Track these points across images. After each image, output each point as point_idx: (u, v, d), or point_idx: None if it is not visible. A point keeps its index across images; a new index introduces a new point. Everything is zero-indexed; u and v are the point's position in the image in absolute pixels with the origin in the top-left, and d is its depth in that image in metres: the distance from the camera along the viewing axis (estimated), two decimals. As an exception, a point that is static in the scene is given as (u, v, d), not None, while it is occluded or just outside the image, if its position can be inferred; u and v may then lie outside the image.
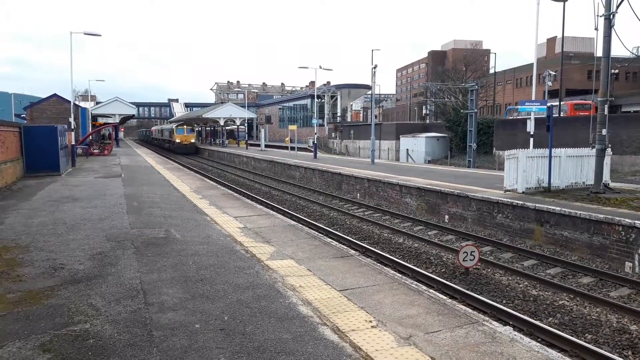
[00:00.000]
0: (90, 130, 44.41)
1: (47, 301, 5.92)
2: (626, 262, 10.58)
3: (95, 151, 37.63)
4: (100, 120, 52.94)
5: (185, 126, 63.16)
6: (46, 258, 7.81)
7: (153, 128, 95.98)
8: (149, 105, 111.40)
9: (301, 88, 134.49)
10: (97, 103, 63.81)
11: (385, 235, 14.32)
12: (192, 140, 61.03)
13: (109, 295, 6.12)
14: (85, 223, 10.61)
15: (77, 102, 46.99)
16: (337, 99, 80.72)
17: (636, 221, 10.44)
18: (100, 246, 8.58)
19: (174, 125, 65.01)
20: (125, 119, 62.25)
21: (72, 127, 33.04)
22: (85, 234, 9.54)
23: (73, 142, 28.30)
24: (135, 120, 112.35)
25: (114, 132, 51.19)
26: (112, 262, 7.61)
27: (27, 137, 20.52)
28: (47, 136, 21.16)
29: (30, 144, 20.56)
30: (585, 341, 7.06)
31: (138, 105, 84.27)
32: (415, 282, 7.22)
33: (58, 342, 4.82)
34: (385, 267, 8.14)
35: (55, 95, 38.70)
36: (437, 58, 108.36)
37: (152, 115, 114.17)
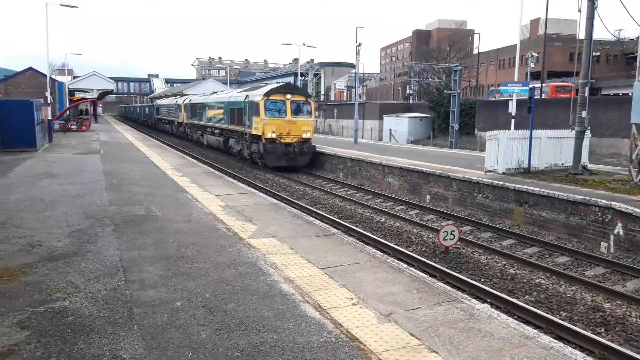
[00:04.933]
0: (67, 105, 43.43)
1: (25, 278, 5.83)
2: (602, 242, 10.84)
3: (73, 127, 36.84)
4: (78, 95, 51.76)
5: (289, 94, 22.25)
6: (23, 235, 7.66)
7: (161, 101, 52.93)
8: (127, 80, 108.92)
9: (284, 65, 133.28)
10: (75, 77, 62.21)
11: (368, 214, 14.40)
12: (307, 135, 22.59)
13: (89, 273, 6.05)
14: (63, 200, 10.42)
15: (53, 77, 45.81)
16: (320, 77, 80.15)
17: (612, 202, 10.67)
18: (79, 223, 8.45)
19: (256, 95, 22.57)
20: (103, 94, 61.09)
21: (49, 101, 32.29)
22: (63, 210, 9.38)
23: (50, 118, 27.63)
24: (114, 95, 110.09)
25: (92, 108, 50.17)
26: (91, 239, 7.51)
27: (2, 112, 19.95)
28: (22, 111, 20.58)
29: (5, 119, 19.97)
30: (560, 318, 7.24)
31: (117, 80, 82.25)
32: (396, 261, 7.29)
33: (36, 319, 4.76)
34: (366, 246, 8.19)
35: (30, 68, 37.69)
36: (421, 37, 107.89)
37: (132, 91, 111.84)
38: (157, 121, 52.69)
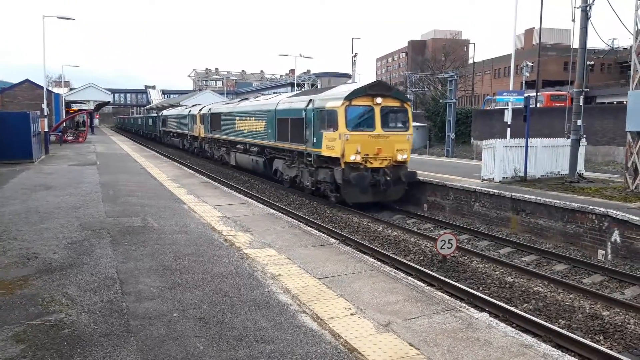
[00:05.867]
0: (63, 117, 43.42)
1: (21, 291, 5.79)
2: (599, 250, 10.85)
3: (70, 138, 36.82)
4: (75, 107, 51.77)
5: (379, 97, 15.13)
6: (19, 247, 7.62)
7: (169, 112, 44.94)
8: (124, 91, 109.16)
9: (281, 76, 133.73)
10: (71, 89, 62.21)
11: (365, 223, 14.37)
12: (403, 156, 15.55)
13: (85, 285, 6.01)
14: (60, 212, 10.38)
15: (50, 88, 45.86)
16: (317, 87, 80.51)
17: (609, 210, 10.69)
18: (75, 235, 8.41)
19: (331, 99, 15.54)
20: (100, 105, 61.01)
21: (45, 113, 32.27)
22: (59, 222, 9.34)
23: (46, 129, 27.60)
24: (110, 107, 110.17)
25: (88, 119, 50.14)
26: (87, 251, 7.47)
27: (-2, 124, 19.94)
28: (19, 123, 20.57)
29: (2, 131, 19.93)
30: (558, 326, 7.22)
31: (113, 91, 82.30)
32: (394, 270, 7.28)
33: (32, 332, 4.72)
34: (364, 255, 8.18)
35: (27, 80, 37.65)
36: (416, 48, 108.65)
37: (129, 102, 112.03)
38: (163, 134, 46.11)
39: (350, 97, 14.89)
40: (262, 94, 30.68)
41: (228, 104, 29.61)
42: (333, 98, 15.50)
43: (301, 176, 17.89)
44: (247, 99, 28.40)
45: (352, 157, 14.69)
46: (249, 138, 22.44)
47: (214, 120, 28.19)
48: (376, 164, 15.18)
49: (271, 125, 19.54)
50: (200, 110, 31.71)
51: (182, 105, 46.24)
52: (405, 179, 15.50)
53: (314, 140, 16.04)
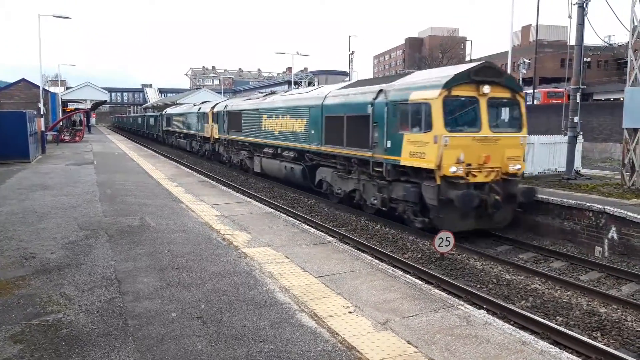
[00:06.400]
0: (60, 116, 43.31)
1: (18, 291, 5.78)
2: (596, 247, 10.89)
3: (66, 138, 36.71)
4: (71, 106, 51.66)
5: (486, 85, 10.95)
6: (16, 247, 7.60)
7: (174, 110, 41.52)
8: (121, 90, 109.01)
9: (278, 74, 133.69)
10: (68, 88, 61.94)
11: (363, 222, 14.37)
12: (517, 166, 11.43)
13: (83, 285, 6.00)
14: (57, 211, 10.36)
15: (46, 87, 45.74)
16: (314, 84, 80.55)
17: (606, 207, 10.73)
18: (73, 235, 8.40)
19: (418, 87, 11.46)
20: (97, 104, 60.80)
21: (42, 112, 32.21)
22: (56, 222, 9.32)
23: (43, 129, 27.54)
24: (107, 106, 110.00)
25: (85, 118, 50.03)
26: (85, 251, 7.46)
27: (-5, 123, 19.89)
28: (15, 122, 20.54)
29: (-2, 131, 19.94)
30: (556, 324, 7.24)
31: (110, 90, 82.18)
32: (392, 268, 7.29)
33: (30, 332, 4.71)
34: (362, 254, 8.19)
35: (23, 80, 37.56)
36: (414, 45, 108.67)
37: (125, 101, 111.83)
38: (167, 135, 41.96)
39: (450, 84, 10.85)
40: (259, 92, 30.06)
41: (249, 99, 25.25)
42: (423, 86, 11.51)
43: (363, 191, 14.05)
44: (274, 92, 24.33)
45: (452, 169, 10.74)
46: (281, 141, 18.51)
47: (232, 118, 24.04)
48: (480, 178, 11.19)
49: (315, 125, 15.75)
50: (214, 107, 27.77)
51: (187, 103, 43.78)
52: (524, 196, 11.53)
53: (387, 145, 12.21)
